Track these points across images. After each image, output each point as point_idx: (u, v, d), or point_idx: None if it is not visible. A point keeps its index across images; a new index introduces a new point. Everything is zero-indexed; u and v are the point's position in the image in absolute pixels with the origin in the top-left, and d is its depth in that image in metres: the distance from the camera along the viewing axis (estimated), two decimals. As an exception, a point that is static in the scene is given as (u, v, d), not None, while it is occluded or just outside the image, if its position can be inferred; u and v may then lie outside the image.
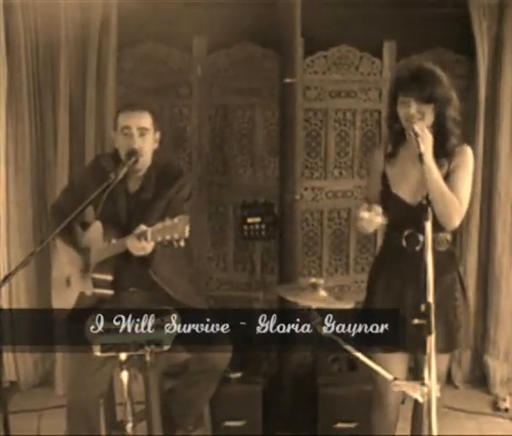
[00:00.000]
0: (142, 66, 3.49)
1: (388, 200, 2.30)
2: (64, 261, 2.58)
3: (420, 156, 2.06)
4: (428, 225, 1.91)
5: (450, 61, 3.51)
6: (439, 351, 2.17)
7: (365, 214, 2.16)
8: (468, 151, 2.26)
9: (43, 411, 3.09)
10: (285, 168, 3.05)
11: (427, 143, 2.10)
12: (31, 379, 3.55)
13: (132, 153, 2.42)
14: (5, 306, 3.32)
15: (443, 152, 2.21)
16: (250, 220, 3.14)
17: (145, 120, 2.50)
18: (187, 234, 2.13)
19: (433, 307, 1.88)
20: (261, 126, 3.57)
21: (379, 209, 2.18)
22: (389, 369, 2.16)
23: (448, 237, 2.32)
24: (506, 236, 3.48)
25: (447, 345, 2.28)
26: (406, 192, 2.28)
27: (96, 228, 2.47)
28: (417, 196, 2.23)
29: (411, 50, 3.33)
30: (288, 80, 2.96)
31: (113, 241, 2.39)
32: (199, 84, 3.52)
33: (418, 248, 2.19)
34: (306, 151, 3.58)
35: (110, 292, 2.47)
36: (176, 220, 2.13)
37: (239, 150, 3.60)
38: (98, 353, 2.03)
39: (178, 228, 2.12)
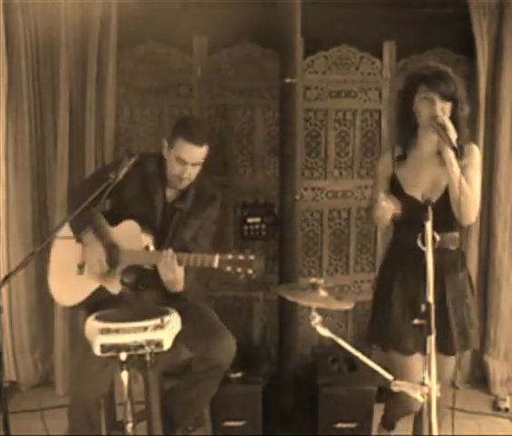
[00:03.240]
0: (142, 66, 3.49)
1: (401, 201, 2.28)
2: (84, 248, 2.48)
3: (455, 150, 2.10)
4: (429, 225, 1.93)
5: (450, 61, 3.50)
6: (457, 350, 2.27)
7: (384, 204, 2.19)
8: (476, 149, 2.30)
9: (43, 411, 3.09)
10: (285, 168, 3.04)
11: (454, 137, 2.13)
12: (31, 379, 3.55)
13: (133, 155, 2.42)
14: (5, 306, 3.32)
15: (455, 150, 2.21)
16: (250, 220, 3.15)
17: (202, 154, 2.51)
18: (262, 273, 2.21)
19: (433, 307, 1.91)
20: (261, 126, 3.57)
21: (394, 198, 2.24)
22: (408, 369, 2.26)
23: (458, 236, 2.34)
24: (506, 236, 3.48)
25: (462, 344, 2.31)
26: (419, 192, 2.27)
27: (131, 228, 2.45)
28: (432, 197, 2.21)
29: (411, 50, 3.34)
30: (288, 80, 2.96)
31: (151, 247, 2.38)
32: (199, 84, 3.52)
33: (433, 247, 2.14)
34: (306, 151, 3.58)
35: (132, 292, 2.48)
36: (252, 257, 2.20)
37: (239, 150, 3.59)
38: (98, 353, 2.03)
39: (253, 265, 2.20)
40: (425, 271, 2.10)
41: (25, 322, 3.50)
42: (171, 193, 2.58)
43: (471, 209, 2.22)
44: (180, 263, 2.29)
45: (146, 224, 2.46)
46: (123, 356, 2.05)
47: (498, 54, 3.36)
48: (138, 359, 2.09)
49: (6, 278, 2.15)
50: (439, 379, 2.10)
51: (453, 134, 2.14)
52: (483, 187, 3.38)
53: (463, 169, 2.21)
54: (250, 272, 2.20)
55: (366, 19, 3.38)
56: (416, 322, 1.91)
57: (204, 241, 2.56)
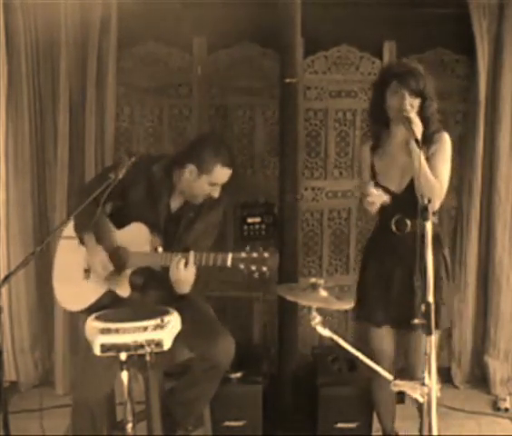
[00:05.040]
0: (142, 66, 3.49)
1: None
2: (88, 252, 2.46)
3: (417, 142, 2.24)
4: (429, 225, 1.98)
5: (450, 61, 3.51)
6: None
7: (374, 191, 2.34)
8: (446, 137, 2.42)
9: (43, 412, 3.09)
10: (285, 168, 3.04)
11: (419, 130, 2.27)
12: (31, 379, 3.55)
13: (133, 155, 2.42)
14: (6, 306, 3.32)
15: (422, 140, 2.33)
16: (250, 220, 3.15)
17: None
18: (276, 270, 2.22)
19: (433, 307, 1.94)
20: (261, 126, 3.57)
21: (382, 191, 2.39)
22: (378, 340, 2.52)
23: (435, 220, 2.45)
24: (506, 236, 3.47)
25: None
26: (391, 182, 2.44)
27: (139, 230, 2.43)
28: (402, 185, 2.42)
29: (411, 50, 3.33)
30: (288, 80, 2.96)
31: (160, 249, 2.37)
32: (199, 84, 3.52)
33: (406, 231, 2.39)
34: (306, 151, 3.58)
35: (141, 294, 2.47)
36: (266, 254, 2.18)
37: (239, 150, 3.59)
38: (98, 353, 2.03)
39: (267, 263, 2.18)
40: (400, 251, 2.39)
41: (26, 321, 3.50)
42: (176, 201, 2.57)
43: (434, 195, 2.30)
44: (193, 263, 2.28)
45: (153, 228, 2.45)
46: (123, 356, 2.05)
47: (498, 54, 3.36)
48: (138, 359, 2.09)
49: (6, 278, 2.15)
50: (416, 358, 2.33)
51: (418, 127, 2.27)
52: (483, 187, 3.43)
53: (431, 156, 2.37)
54: (264, 269, 2.18)
55: (366, 19, 3.38)
56: (416, 321, 1.94)
57: (206, 244, 2.55)
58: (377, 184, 2.42)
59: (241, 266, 2.20)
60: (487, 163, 3.44)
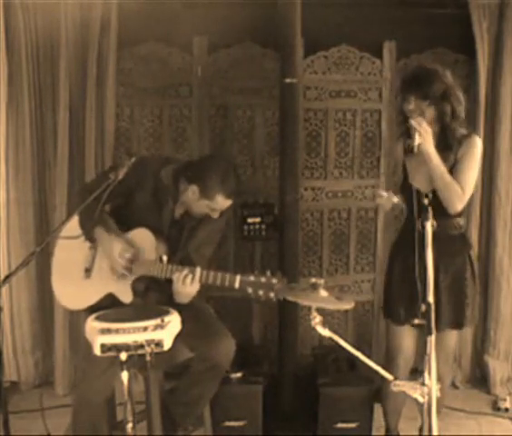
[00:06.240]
0: (142, 66, 3.49)
1: (406, 189, 2.49)
2: (102, 244, 2.43)
3: (413, 148, 2.31)
4: (429, 225, 1.98)
5: (450, 61, 3.51)
6: (450, 327, 2.47)
7: (383, 194, 2.44)
8: (476, 140, 2.43)
9: (42, 411, 3.09)
10: (285, 168, 3.04)
11: (424, 135, 2.30)
12: (31, 379, 3.55)
13: (132, 154, 2.41)
14: (6, 306, 3.32)
15: (445, 144, 2.38)
16: (250, 220, 3.14)
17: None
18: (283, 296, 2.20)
19: (433, 307, 1.96)
20: (261, 126, 3.57)
21: (391, 193, 2.47)
22: (399, 338, 2.53)
23: (461, 222, 2.50)
24: (506, 236, 3.48)
25: (457, 322, 2.49)
26: (420, 182, 2.45)
27: (145, 236, 2.41)
28: (430, 186, 2.41)
29: (411, 50, 3.34)
30: (288, 80, 2.96)
31: (165, 257, 2.34)
32: (199, 84, 3.52)
33: (432, 231, 2.33)
34: (306, 151, 3.58)
35: (142, 300, 2.46)
36: (275, 280, 2.18)
37: (239, 150, 3.59)
38: (98, 353, 2.03)
39: (275, 288, 2.17)
40: (423, 249, 2.28)
41: (26, 322, 3.50)
42: (179, 208, 2.55)
43: (455, 199, 2.36)
44: (199, 280, 2.27)
45: (157, 234, 2.44)
46: (123, 356, 2.05)
47: (498, 54, 3.36)
48: (138, 359, 2.09)
49: (7, 278, 2.15)
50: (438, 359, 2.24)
51: (424, 132, 2.29)
52: (483, 187, 3.43)
53: (459, 159, 2.39)
54: (271, 295, 2.18)
55: (366, 19, 3.38)
56: (416, 322, 1.95)
57: (208, 250, 2.55)
58: (406, 183, 2.49)
59: (249, 290, 2.19)
60: (487, 163, 3.44)
